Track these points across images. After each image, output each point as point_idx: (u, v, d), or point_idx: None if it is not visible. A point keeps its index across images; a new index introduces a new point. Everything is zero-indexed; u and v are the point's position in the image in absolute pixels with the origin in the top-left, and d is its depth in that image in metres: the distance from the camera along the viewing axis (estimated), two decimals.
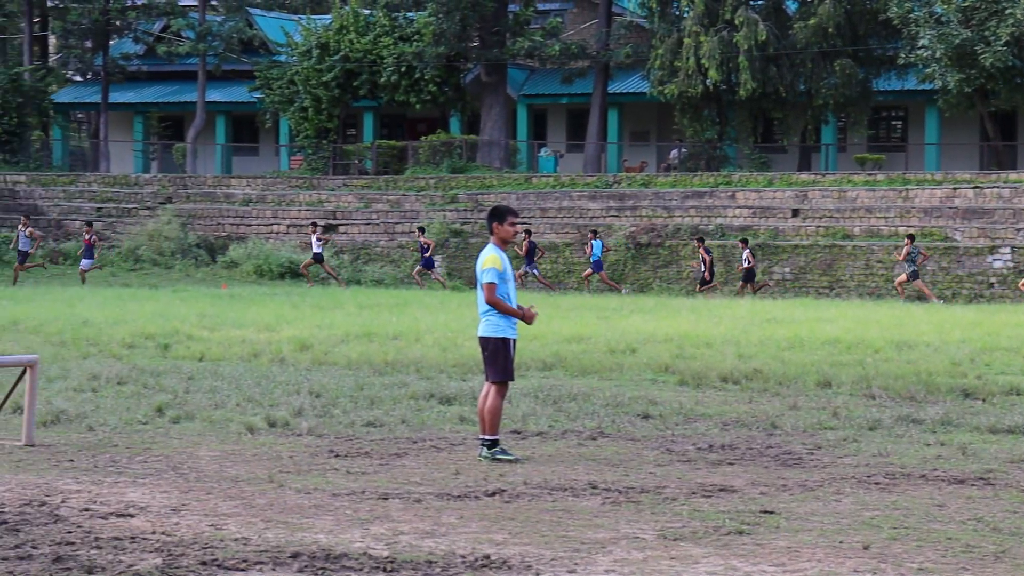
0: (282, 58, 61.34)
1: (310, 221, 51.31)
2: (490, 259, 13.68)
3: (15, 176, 59.16)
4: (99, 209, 56.56)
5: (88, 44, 65.25)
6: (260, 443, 14.65)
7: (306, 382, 19.18)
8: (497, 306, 13.64)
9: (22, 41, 66.21)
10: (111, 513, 10.89)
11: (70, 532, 10.15)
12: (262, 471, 12.95)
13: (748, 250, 44.86)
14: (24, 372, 14.62)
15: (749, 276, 44.89)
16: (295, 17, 65.93)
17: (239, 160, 65.68)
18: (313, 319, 28.18)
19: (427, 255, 47.92)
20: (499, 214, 14.00)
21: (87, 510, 10.98)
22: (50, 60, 70.91)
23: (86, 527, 10.34)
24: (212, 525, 10.51)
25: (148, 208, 55.97)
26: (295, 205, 55.35)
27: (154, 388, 18.42)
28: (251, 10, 65.64)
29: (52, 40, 71.88)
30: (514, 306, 13.73)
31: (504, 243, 13.95)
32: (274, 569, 9.17)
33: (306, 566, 9.24)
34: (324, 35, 58.75)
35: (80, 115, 74.63)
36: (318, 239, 47.32)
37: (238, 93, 64.73)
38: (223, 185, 57.72)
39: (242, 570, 9.14)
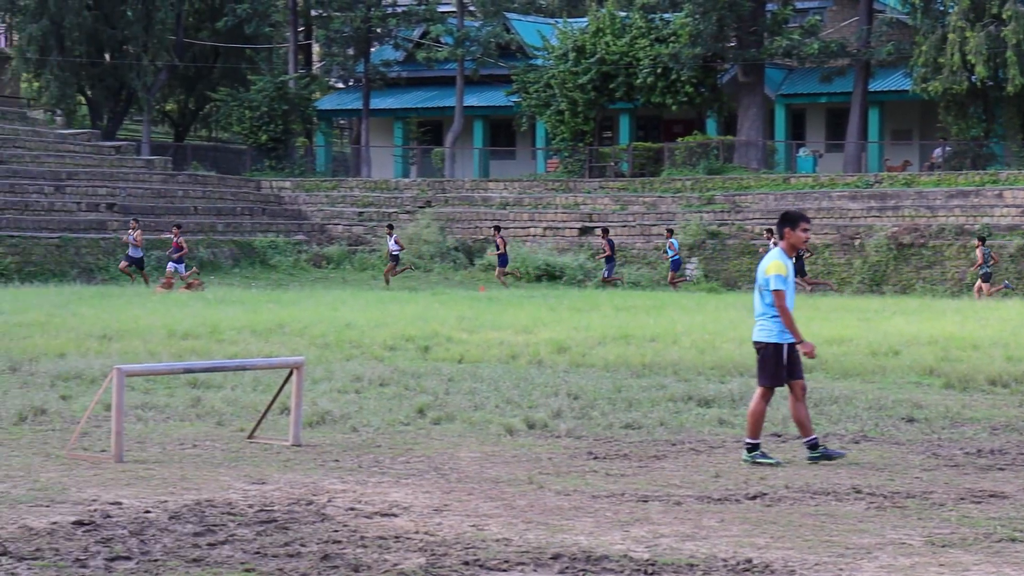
0: (538, 62, 61.74)
1: (386, 223, 52.53)
2: (774, 265, 13.49)
3: (280, 182, 60.75)
4: (360, 213, 57.72)
5: (350, 52, 66.64)
6: (519, 444, 14.75)
7: (564, 384, 19.26)
8: (784, 315, 13.48)
9: (287, 50, 67.96)
10: (376, 512, 11.08)
11: (336, 531, 10.36)
12: (522, 472, 13.04)
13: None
14: (291, 374, 14.98)
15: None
16: (552, 21, 66.31)
17: (496, 163, 66.33)
18: (570, 321, 28.29)
19: (500, 253, 48.15)
20: (792, 219, 13.76)
21: (352, 509, 11.19)
22: (314, 68, 72.64)
23: (352, 526, 10.54)
24: (474, 525, 10.62)
25: (407, 212, 56.91)
26: (551, 208, 55.67)
27: (415, 390, 18.70)
28: (508, 15, 66.23)
29: (316, 49, 73.62)
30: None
31: (793, 249, 13.73)
32: (535, 570, 9.22)
33: (567, 567, 9.26)
34: (580, 38, 58.96)
35: (342, 121, 76.28)
36: (395, 241, 47.86)
37: (495, 97, 65.36)
38: (480, 188, 58.37)
39: (504, 570, 9.21)
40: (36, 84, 67.00)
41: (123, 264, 44.38)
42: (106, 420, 15.00)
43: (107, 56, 64.27)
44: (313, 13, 69.44)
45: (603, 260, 48.27)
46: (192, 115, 76.42)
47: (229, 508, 11.14)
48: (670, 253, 47.51)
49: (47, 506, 11.11)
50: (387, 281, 47.41)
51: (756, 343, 13.75)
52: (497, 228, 49.76)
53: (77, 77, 62.65)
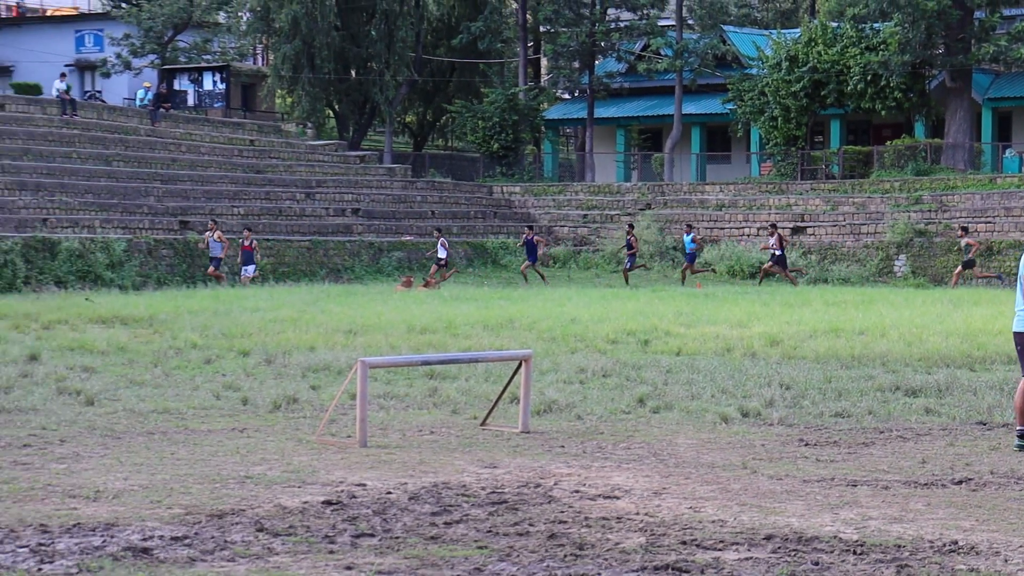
0: (753, 71, 61.15)
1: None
2: None
3: (511, 187, 61.22)
4: (584, 216, 57.84)
5: (576, 65, 66.83)
6: (734, 432, 14.66)
7: (776, 375, 19.07)
8: None
9: (517, 64, 68.44)
10: (599, 495, 11.11)
11: (562, 512, 10.42)
12: (736, 458, 12.96)
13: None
14: (520, 365, 15.10)
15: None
16: (766, 32, 65.62)
17: (712, 168, 65.88)
18: (782, 316, 27.97)
19: (528, 239, 46.98)
20: None
21: (577, 492, 11.24)
22: (542, 81, 73.02)
23: (576, 507, 10.59)
24: (691, 508, 10.59)
25: (629, 214, 56.84)
26: (765, 209, 55.09)
27: (635, 380, 18.69)
28: (725, 27, 65.73)
29: (544, 62, 73.99)
30: None
31: None
32: (749, 550, 9.16)
33: (779, 548, 9.19)
34: (793, 48, 58.25)
35: (568, 130, 76.51)
36: (443, 246, 45.46)
37: (712, 105, 64.94)
38: (698, 191, 58.06)
39: (719, 550, 9.17)
40: (289, 100, 68.55)
41: (211, 269, 41.83)
42: (351, 408, 15.31)
43: (353, 73, 65.46)
44: (542, 29, 69.80)
45: (627, 254, 47.30)
46: (430, 126, 77.41)
47: (463, 490, 11.28)
48: (690, 246, 46.28)
49: (299, 487, 11.38)
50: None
51: (1016, 334, 13.45)
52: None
53: (326, 93, 63.92)
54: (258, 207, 49.93)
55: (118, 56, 65.86)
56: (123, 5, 69.29)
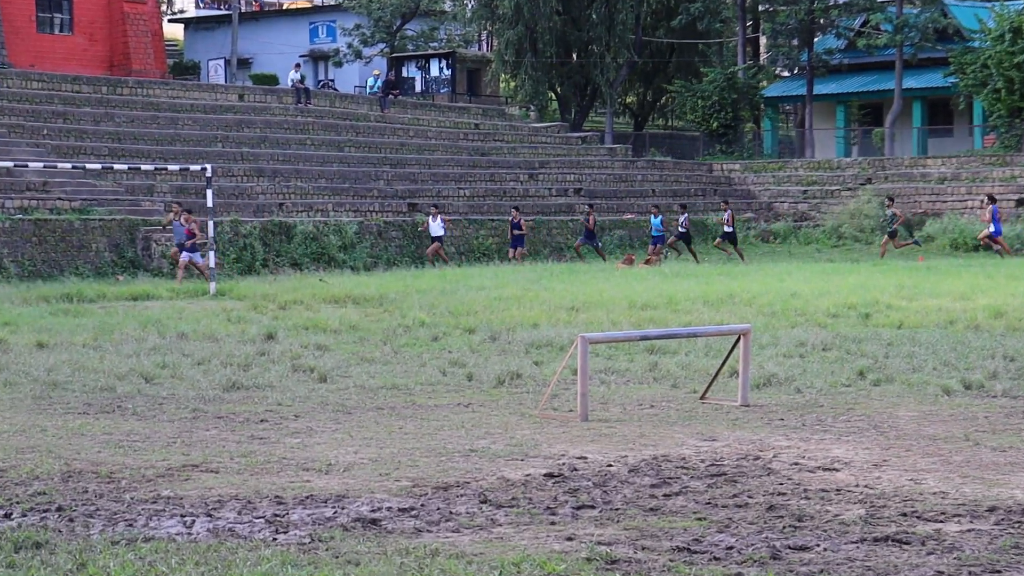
0: (975, 44, 59.36)
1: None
2: None
3: (730, 164, 60.58)
4: (804, 192, 56.92)
5: (795, 42, 65.75)
6: (956, 404, 14.25)
7: (1000, 347, 18.49)
8: None
9: (736, 43, 67.68)
10: (818, 467, 10.91)
11: (781, 484, 10.25)
12: (958, 430, 12.59)
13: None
14: (739, 339, 14.92)
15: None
16: (988, 4, 63.63)
17: (934, 141, 64.19)
18: (1007, 288, 27.12)
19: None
20: None
21: (796, 464, 11.06)
22: (761, 59, 72.09)
23: (795, 479, 10.42)
24: (911, 480, 10.32)
25: (849, 189, 55.75)
26: (988, 182, 53.45)
27: (856, 354, 18.31)
28: (945, 0, 63.97)
29: (763, 41, 73.01)
30: None
31: None
32: (971, 521, 8.89)
33: (1002, 519, 8.90)
34: (1017, 19, 56.32)
35: (787, 107, 75.35)
36: (436, 219, 41.80)
37: (933, 79, 63.25)
38: (919, 165, 56.63)
39: (940, 522, 8.92)
40: (512, 84, 68.93)
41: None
42: (573, 383, 15.31)
43: (574, 56, 65.49)
44: (760, 8, 68.86)
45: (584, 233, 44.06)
46: (650, 106, 77.04)
47: (683, 463, 11.19)
48: (658, 229, 43.43)
49: (521, 460, 11.42)
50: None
51: None
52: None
53: (548, 76, 64.07)
54: (483, 188, 50.34)
55: (349, 46, 67.08)
56: None
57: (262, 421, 13.62)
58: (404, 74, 65.24)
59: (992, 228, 43.83)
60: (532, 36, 62.13)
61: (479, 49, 76.15)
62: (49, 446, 12.06)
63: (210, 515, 9.42)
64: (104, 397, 15.21)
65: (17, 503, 9.76)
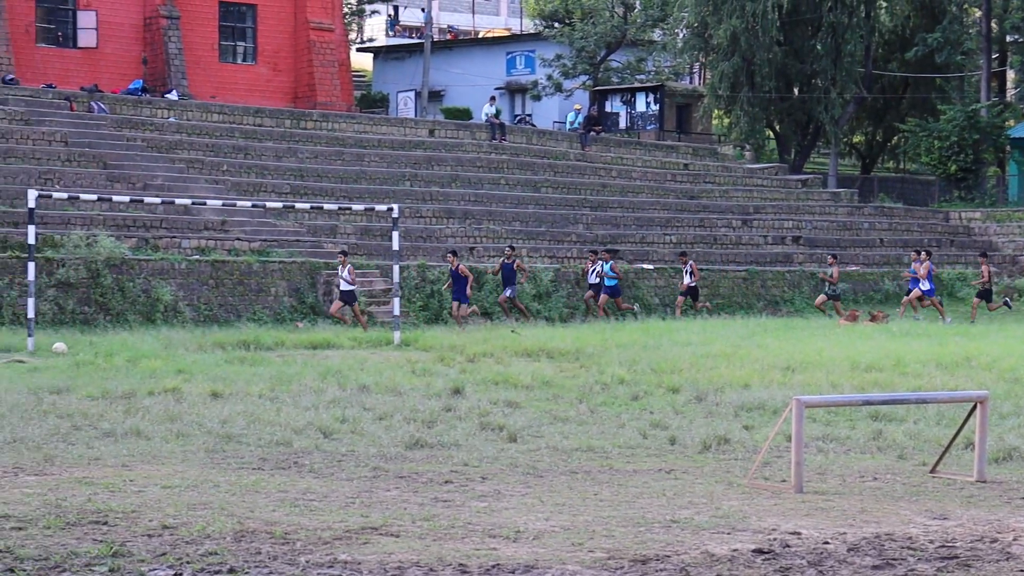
0: None
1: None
2: None
3: (970, 212, 59.48)
4: None
5: None
6: None
7: None
8: None
9: (979, 78, 66.55)
10: None
11: (1022, 570, 10.04)
12: None
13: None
14: (975, 407, 14.65)
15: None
16: None
17: None
18: None
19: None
20: None
21: None
22: (1008, 95, 70.74)
23: None
24: None
25: None
26: None
27: None
28: None
29: (1010, 75, 71.66)
30: None
31: None
32: None
33: None
34: None
35: None
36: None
37: None
38: None
39: None
40: (726, 120, 68.78)
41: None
42: (786, 450, 15.19)
43: (796, 90, 65.13)
44: (1008, 39, 67.64)
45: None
46: (879, 147, 76.13)
47: (909, 543, 11.04)
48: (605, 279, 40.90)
49: (728, 533, 11.37)
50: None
51: None
52: (454, 252, 38.70)
53: (766, 112, 63.78)
54: (691, 235, 50.25)
55: (549, 78, 67.68)
56: (555, 25, 71.18)
57: (446, 482, 13.80)
58: (608, 109, 65.55)
59: (927, 286, 42.57)
60: (749, 68, 61.96)
61: (690, 82, 76.19)
62: (222, 503, 12.39)
63: None
64: (280, 452, 15.56)
65: (188, 563, 10.06)
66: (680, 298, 42.28)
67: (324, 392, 20.89)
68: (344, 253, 36.09)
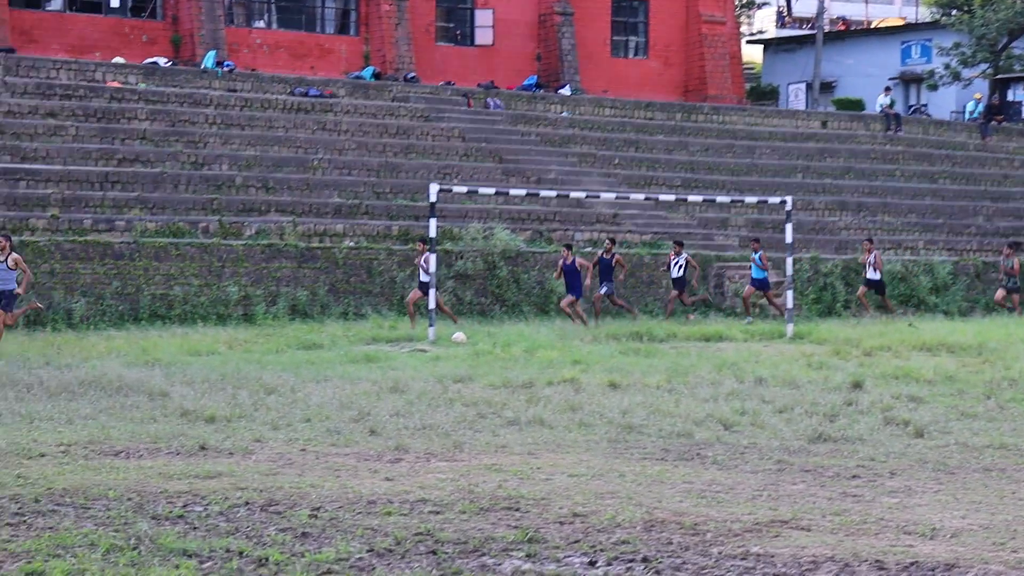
0: None
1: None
2: None
3: None
4: None
5: None
6: None
7: None
8: None
9: None
10: None
11: None
12: None
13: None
14: None
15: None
16: None
17: None
18: None
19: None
20: None
21: None
22: None
23: None
24: None
25: None
26: None
27: None
28: None
29: None
30: None
31: None
32: None
33: None
34: None
35: None
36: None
37: None
38: None
39: None
40: None
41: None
42: None
43: None
44: None
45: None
46: None
47: None
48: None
49: None
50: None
51: None
52: (568, 246, 34.64)
53: None
54: None
55: (946, 67, 65.83)
56: (952, 13, 69.21)
57: (853, 477, 13.52)
58: (1009, 98, 63.35)
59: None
60: None
61: None
62: (628, 492, 12.43)
63: None
64: (681, 443, 15.54)
65: (601, 550, 10.12)
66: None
67: (721, 384, 20.79)
68: (423, 241, 32.08)
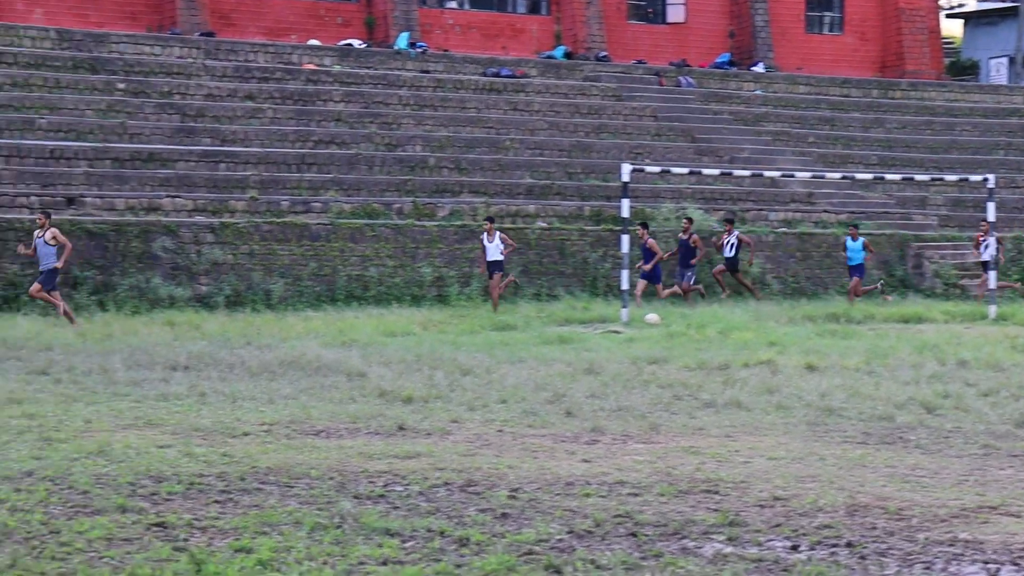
0: None
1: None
2: None
3: None
4: None
5: None
6: None
7: None
8: None
9: None
10: None
11: None
12: None
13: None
14: None
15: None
16: None
17: None
18: None
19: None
20: None
21: None
22: None
23: None
24: None
25: None
26: None
27: None
28: None
29: None
30: None
31: None
32: None
33: None
34: None
35: None
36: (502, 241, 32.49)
37: None
38: None
39: None
40: None
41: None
42: None
43: None
44: None
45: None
46: None
47: None
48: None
49: None
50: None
51: None
52: (644, 225, 34.01)
53: None
54: None
55: None
56: None
57: None
58: None
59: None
60: None
61: None
62: (830, 476, 12.28)
63: (1016, 564, 9.23)
64: (882, 427, 15.31)
65: (803, 535, 10.01)
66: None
67: (922, 367, 20.42)
68: (491, 220, 32.18)
